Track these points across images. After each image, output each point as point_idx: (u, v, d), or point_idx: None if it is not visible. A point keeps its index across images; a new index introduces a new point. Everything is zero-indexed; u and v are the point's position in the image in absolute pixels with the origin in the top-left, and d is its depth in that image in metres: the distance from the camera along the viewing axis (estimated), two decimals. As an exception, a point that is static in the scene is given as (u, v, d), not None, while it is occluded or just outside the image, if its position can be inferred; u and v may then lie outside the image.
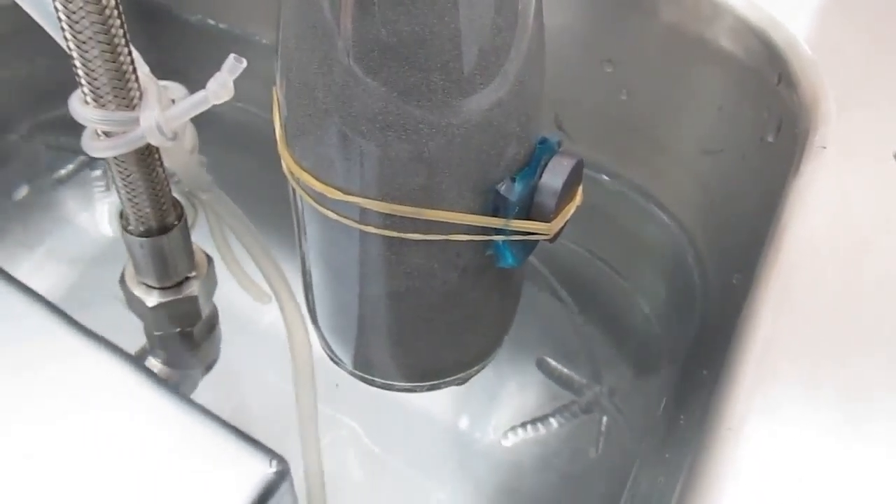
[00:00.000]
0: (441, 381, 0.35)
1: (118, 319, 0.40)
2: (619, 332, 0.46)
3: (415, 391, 0.36)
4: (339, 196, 0.26)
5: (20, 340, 0.29)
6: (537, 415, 0.41)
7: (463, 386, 0.36)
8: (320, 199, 0.28)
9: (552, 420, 0.41)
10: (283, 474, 0.26)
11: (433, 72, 0.24)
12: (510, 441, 0.40)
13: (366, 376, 0.35)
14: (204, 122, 0.35)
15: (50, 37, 0.29)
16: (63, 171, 0.53)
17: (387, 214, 0.27)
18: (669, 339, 0.44)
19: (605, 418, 0.41)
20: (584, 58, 0.44)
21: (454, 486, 0.39)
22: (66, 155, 0.54)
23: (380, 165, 0.26)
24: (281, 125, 0.28)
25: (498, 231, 0.28)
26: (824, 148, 0.30)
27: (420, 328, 0.32)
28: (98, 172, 0.54)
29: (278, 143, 0.28)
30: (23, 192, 0.52)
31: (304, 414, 0.36)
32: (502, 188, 0.27)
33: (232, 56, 0.28)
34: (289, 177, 0.29)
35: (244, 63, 0.28)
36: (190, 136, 0.35)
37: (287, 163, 0.28)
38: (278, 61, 0.27)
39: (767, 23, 0.36)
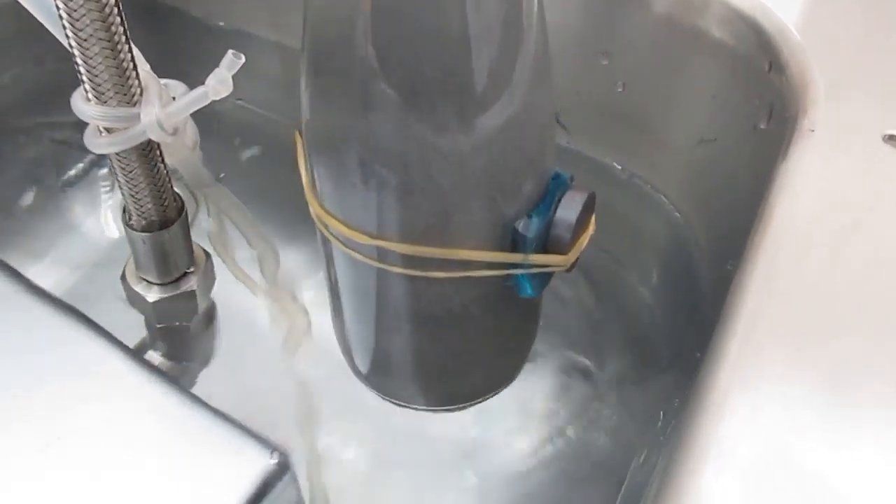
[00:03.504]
0: (464, 403, 0.36)
1: (122, 318, 0.41)
2: (621, 324, 0.46)
3: (437, 412, 0.37)
4: (363, 239, 0.27)
5: (24, 335, 0.29)
6: (547, 414, 0.42)
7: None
8: (346, 241, 0.28)
9: (560, 413, 0.41)
10: (283, 466, 0.26)
11: (451, 113, 0.24)
12: (523, 442, 0.41)
13: (392, 399, 0.36)
14: (205, 119, 0.35)
15: (56, 39, 0.29)
16: (72, 172, 0.54)
17: (409, 255, 0.27)
18: (670, 330, 0.44)
19: (606, 412, 0.41)
20: (580, 51, 0.44)
21: (463, 487, 0.39)
22: (74, 154, 0.54)
23: (401, 208, 0.26)
24: (307, 171, 0.29)
25: (516, 265, 0.28)
26: (812, 131, 0.30)
27: (442, 354, 0.33)
28: (104, 171, 0.54)
29: (305, 188, 0.29)
30: (30, 195, 0.53)
31: (304, 408, 0.37)
32: (520, 225, 0.27)
33: (230, 52, 0.29)
34: (316, 221, 0.30)
35: (242, 59, 0.29)
36: (191, 133, 0.35)
37: (314, 208, 0.29)
38: (302, 111, 0.27)
39: (758, 10, 0.37)
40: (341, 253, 0.29)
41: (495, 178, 0.26)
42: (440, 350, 0.32)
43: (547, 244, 0.28)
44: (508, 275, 0.29)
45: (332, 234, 0.29)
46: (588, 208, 0.29)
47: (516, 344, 0.35)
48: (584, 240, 0.29)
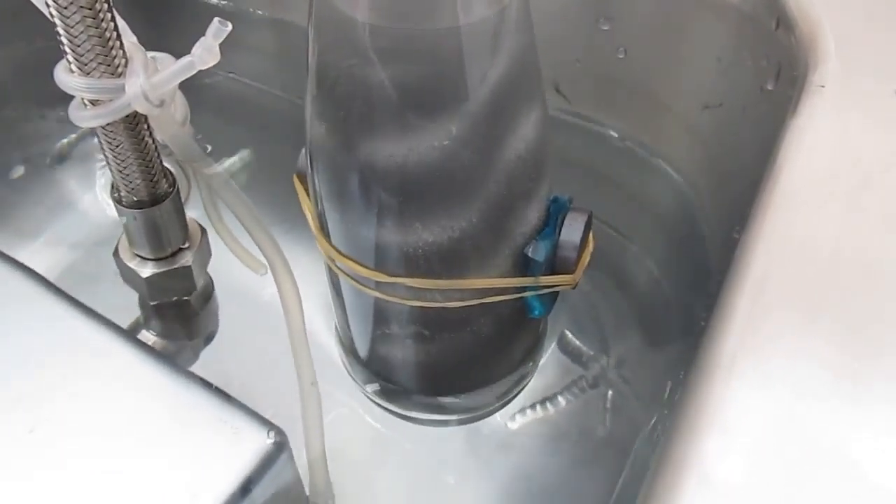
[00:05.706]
0: (474, 414, 0.38)
1: (122, 296, 0.40)
2: (627, 297, 0.45)
3: (442, 424, 0.38)
4: (381, 278, 0.28)
5: (9, 315, 0.28)
6: (548, 393, 0.41)
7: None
8: (361, 279, 0.29)
9: (560, 398, 0.41)
10: (281, 445, 0.26)
11: (458, 158, 0.25)
12: (517, 422, 0.40)
13: (398, 410, 0.37)
14: (196, 93, 0.34)
15: (48, 19, 0.28)
16: (65, 141, 0.53)
17: (423, 288, 0.28)
18: (677, 300, 0.44)
19: (611, 386, 0.41)
20: (579, 16, 0.43)
21: (464, 470, 0.39)
22: (67, 130, 0.53)
23: (415, 247, 0.27)
24: (312, 213, 0.30)
25: (527, 287, 0.30)
26: (823, 87, 0.29)
27: (453, 365, 0.34)
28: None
29: (312, 227, 0.30)
30: (20, 169, 0.52)
31: (305, 386, 0.36)
32: (530, 251, 0.29)
33: (216, 20, 0.28)
34: (327, 260, 0.30)
35: (229, 26, 0.28)
36: (181, 107, 0.34)
37: (324, 247, 0.30)
38: (308, 155, 0.28)
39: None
40: (351, 286, 0.30)
41: (501, 207, 0.27)
42: (449, 361, 0.33)
43: (554, 265, 0.30)
44: (518, 298, 0.30)
45: (344, 272, 0.30)
46: (588, 227, 0.30)
47: (528, 349, 0.36)
48: (587, 257, 0.31)
